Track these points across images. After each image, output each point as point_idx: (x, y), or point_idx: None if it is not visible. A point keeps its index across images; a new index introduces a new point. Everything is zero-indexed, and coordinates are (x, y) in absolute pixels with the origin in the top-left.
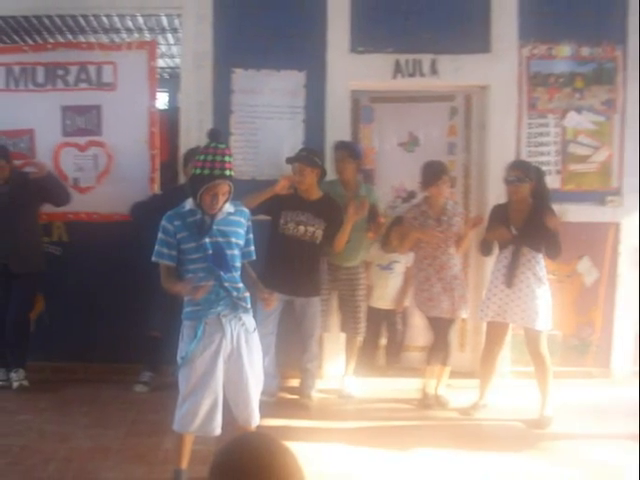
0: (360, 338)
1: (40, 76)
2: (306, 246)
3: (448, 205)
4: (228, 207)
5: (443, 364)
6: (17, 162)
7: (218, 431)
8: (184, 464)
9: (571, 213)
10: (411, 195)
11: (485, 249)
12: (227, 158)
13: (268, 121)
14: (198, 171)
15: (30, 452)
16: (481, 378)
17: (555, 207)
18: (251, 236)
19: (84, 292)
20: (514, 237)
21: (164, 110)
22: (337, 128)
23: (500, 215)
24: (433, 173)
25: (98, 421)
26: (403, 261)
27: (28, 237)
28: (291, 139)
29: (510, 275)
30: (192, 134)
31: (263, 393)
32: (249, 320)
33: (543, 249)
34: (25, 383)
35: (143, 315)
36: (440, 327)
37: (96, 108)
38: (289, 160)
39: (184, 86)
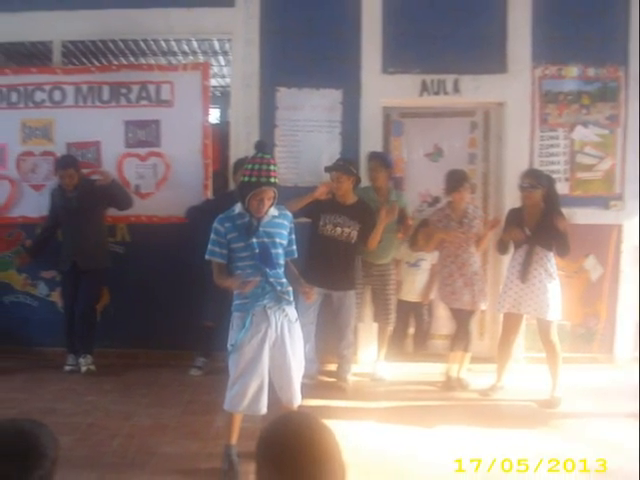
0: (391, 327)
1: (105, 94)
2: (342, 245)
3: (469, 209)
4: (273, 211)
5: (464, 350)
6: (85, 171)
7: (264, 410)
8: (234, 440)
9: (578, 216)
10: (436, 200)
11: (502, 248)
12: (272, 167)
13: (308, 134)
14: (246, 179)
15: (96, 429)
16: (498, 363)
17: (564, 210)
18: (293, 236)
19: (145, 286)
20: (528, 237)
21: (216, 124)
22: (370, 140)
23: (515, 218)
24: (455, 180)
25: (157, 401)
26: (429, 259)
27: (95, 237)
28: (329, 150)
29: (524, 271)
30: (241, 145)
31: (304, 376)
32: (292, 311)
33: (553, 248)
34: (92, 368)
35: (197, 307)
36: (461, 318)
37: (155, 122)
38: (328, 169)
39: (233, 103)
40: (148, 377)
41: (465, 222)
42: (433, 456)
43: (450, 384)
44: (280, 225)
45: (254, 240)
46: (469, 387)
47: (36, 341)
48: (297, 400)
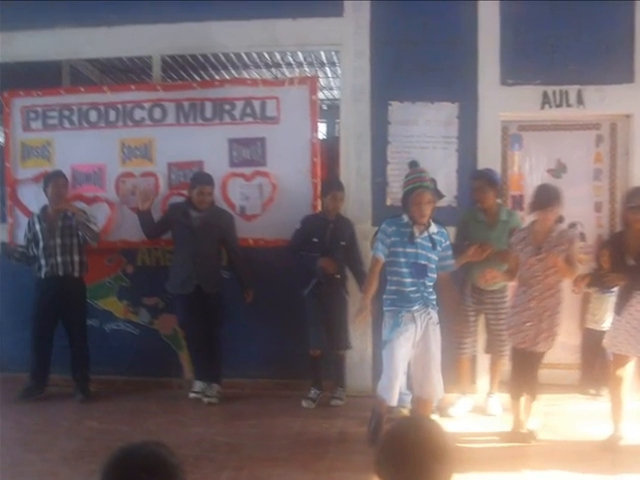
0: (504, 360)
1: (208, 111)
2: None
3: (554, 233)
4: (433, 228)
5: (531, 398)
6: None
7: (394, 403)
8: (384, 413)
9: None
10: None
11: (597, 283)
12: (424, 174)
13: (423, 150)
14: (405, 189)
15: (204, 462)
16: (612, 410)
17: None
18: (450, 252)
19: (250, 313)
20: (630, 269)
21: (323, 140)
22: (488, 156)
23: (617, 245)
24: (544, 199)
25: (266, 432)
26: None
27: (214, 261)
28: (445, 167)
29: (621, 304)
30: (351, 163)
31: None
32: (435, 315)
33: None
34: (214, 400)
35: (304, 335)
36: (521, 357)
37: (260, 140)
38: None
39: (343, 118)
40: (256, 407)
41: (545, 248)
42: None
43: (518, 437)
44: (437, 241)
45: (412, 250)
46: (537, 438)
47: (138, 370)
48: (438, 394)
